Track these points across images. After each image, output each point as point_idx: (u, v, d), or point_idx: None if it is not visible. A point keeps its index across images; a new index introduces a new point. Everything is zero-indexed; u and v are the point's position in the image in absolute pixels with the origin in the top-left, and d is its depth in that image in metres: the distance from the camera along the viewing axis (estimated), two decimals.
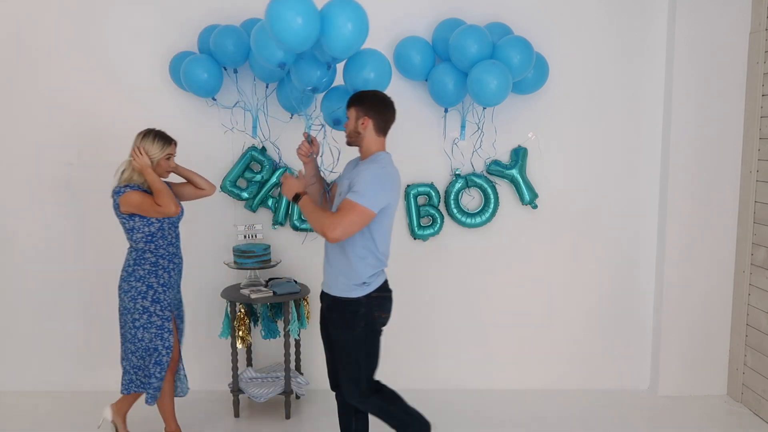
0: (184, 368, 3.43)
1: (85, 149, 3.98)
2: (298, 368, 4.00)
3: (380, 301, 2.92)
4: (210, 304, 4.04)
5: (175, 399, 3.39)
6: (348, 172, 3.00)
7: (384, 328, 3.01)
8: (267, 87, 3.80)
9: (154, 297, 3.18)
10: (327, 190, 3.23)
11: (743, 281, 3.87)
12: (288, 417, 3.77)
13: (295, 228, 3.96)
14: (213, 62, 3.61)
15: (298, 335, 3.75)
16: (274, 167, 3.93)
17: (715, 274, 3.95)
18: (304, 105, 3.51)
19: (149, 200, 3.11)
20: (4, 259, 4.09)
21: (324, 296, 2.98)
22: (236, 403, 3.80)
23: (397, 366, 4.09)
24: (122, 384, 3.29)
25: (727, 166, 3.86)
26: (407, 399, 2.92)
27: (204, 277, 4.04)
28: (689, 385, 4.03)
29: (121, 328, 3.25)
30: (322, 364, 4.07)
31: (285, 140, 3.92)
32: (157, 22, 3.87)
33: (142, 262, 3.18)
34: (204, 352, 4.12)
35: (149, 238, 3.17)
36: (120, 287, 3.22)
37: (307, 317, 3.80)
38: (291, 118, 3.84)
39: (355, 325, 2.86)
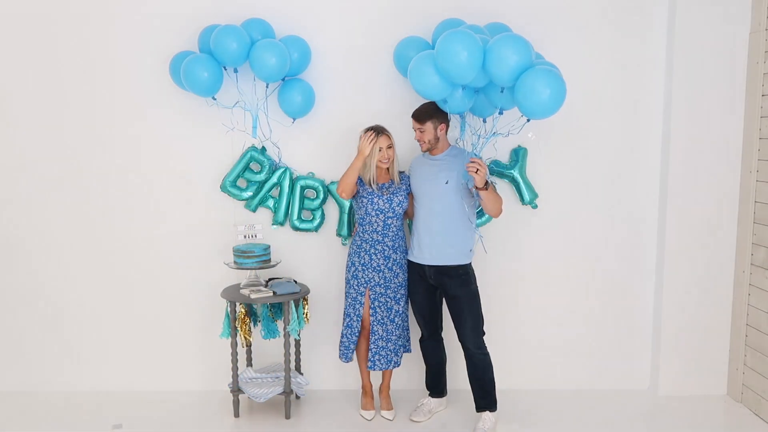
0: (382, 343, 3.65)
1: (86, 149, 3.98)
2: (298, 368, 4.00)
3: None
4: (210, 304, 4.04)
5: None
6: (429, 168, 3.53)
7: None
8: (267, 87, 3.80)
9: (354, 273, 3.63)
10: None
11: (743, 281, 3.87)
12: (288, 417, 3.77)
13: (295, 228, 3.96)
14: (213, 62, 3.61)
15: (298, 335, 3.75)
16: (274, 167, 3.93)
17: (715, 274, 3.95)
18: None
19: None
20: (5, 259, 4.09)
21: (430, 268, 3.54)
22: (236, 403, 3.80)
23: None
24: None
25: (727, 166, 3.86)
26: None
27: (204, 277, 4.05)
28: (689, 385, 4.03)
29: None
30: (322, 364, 4.12)
31: (285, 140, 3.92)
32: (157, 22, 3.87)
33: (352, 241, 3.70)
34: (204, 352, 4.13)
35: (359, 221, 3.65)
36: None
37: (306, 317, 3.80)
38: (293, 121, 3.85)
39: (471, 282, 3.56)
